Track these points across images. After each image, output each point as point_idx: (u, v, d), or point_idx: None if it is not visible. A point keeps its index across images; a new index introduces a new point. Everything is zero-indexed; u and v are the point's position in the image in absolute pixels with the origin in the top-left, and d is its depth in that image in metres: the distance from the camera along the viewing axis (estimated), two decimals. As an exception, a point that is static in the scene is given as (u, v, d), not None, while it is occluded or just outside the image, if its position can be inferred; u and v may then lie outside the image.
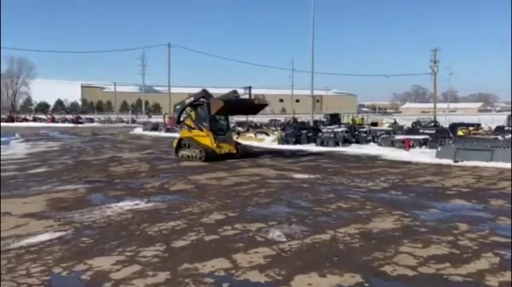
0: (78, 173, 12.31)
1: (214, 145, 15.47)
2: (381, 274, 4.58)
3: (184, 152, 16.08)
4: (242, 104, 16.27)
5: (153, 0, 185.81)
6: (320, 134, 21.87)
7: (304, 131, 22.33)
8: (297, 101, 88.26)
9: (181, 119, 16.93)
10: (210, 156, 15.07)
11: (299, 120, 36.16)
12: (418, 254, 5.17)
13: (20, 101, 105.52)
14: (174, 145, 16.78)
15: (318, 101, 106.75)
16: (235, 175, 11.74)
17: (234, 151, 15.95)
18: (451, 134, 19.77)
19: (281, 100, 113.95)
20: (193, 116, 16.27)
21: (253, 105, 16.44)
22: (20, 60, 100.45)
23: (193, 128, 16.02)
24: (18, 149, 20.98)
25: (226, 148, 15.74)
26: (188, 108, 16.62)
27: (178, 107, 17.35)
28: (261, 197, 8.65)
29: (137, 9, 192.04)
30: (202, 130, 15.75)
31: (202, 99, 16.20)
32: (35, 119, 64.62)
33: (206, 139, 15.60)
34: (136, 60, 73.18)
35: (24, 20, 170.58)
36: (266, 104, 16.93)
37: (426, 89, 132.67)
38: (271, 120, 44.38)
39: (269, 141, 22.66)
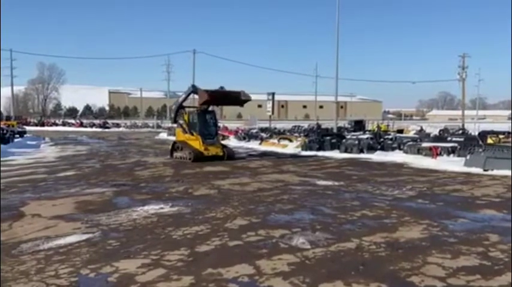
0: (105, 177, 12.57)
1: (203, 147, 17.04)
2: (408, 285, 4.47)
3: (177, 154, 17.81)
4: (227, 96, 18.21)
5: (179, 8, 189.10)
6: (344, 140, 21.61)
7: (328, 138, 22.12)
8: (321, 107, 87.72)
9: (178, 119, 18.69)
10: (198, 157, 16.61)
11: (323, 126, 35.85)
12: (447, 265, 5.02)
13: (50, 106, 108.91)
14: (170, 147, 18.53)
15: (342, 107, 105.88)
16: (258, 181, 11.73)
17: (221, 154, 17.38)
18: (480, 142, 19.21)
19: (304, 106, 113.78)
20: (187, 120, 17.89)
21: (238, 98, 18.12)
22: (51, 66, 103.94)
23: (187, 132, 17.64)
24: (48, 152, 21.59)
25: (213, 151, 17.25)
26: (183, 112, 18.28)
27: (173, 107, 19.21)
28: (285, 204, 8.61)
29: (163, 16, 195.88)
30: (193, 134, 17.37)
31: (192, 95, 18.29)
32: (64, 124, 66.46)
33: (196, 142, 17.25)
34: (162, 67, 74.37)
35: (54, 28, 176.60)
36: (249, 99, 18.34)
37: (454, 96, 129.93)
38: (295, 126, 44.22)
39: (292, 148, 22.57)
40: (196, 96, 18.49)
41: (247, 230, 6.55)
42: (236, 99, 18.28)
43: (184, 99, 18.76)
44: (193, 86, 18.64)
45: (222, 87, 18.25)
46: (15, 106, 78.63)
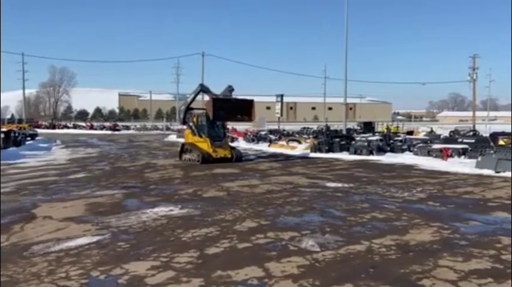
0: (115, 179, 12.66)
1: (211, 149, 17.08)
2: (419, 288, 4.43)
3: (186, 156, 17.92)
4: (235, 106, 17.69)
5: (188, 11, 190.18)
6: (353, 142, 21.51)
7: (337, 139, 22.04)
8: (330, 108, 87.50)
9: (187, 120, 18.51)
10: (206, 159, 16.68)
11: (332, 128, 35.70)
12: (459, 268, 4.97)
13: (61, 108, 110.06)
14: (179, 149, 18.74)
15: (351, 109, 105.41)
16: (268, 183, 11.72)
17: (229, 156, 17.41)
18: (491, 144, 18.99)
19: (313, 108, 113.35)
20: (195, 122, 17.93)
21: (246, 106, 17.93)
22: (62, 69, 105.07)
23: (195, 134, 17.69)
24: (59, 155, 21.80)
25: (221, 153, 17.30)
26: (192, 114, 18.27)
27: (182, 107, 19.16)
28: (294, 206, 8.59)
29: (172, 19, 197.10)
30: (201, 137, 17.45)
31: (202, 93, 18.36)
32: (75, 126, 67.00)
33: (204, 144, 17.31)
34: (171, 69, 74.85)
35: (65, 31, 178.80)
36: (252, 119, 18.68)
37: (464, 97, 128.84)
38: (303, 128, 44.13)
39: (301, 149, 22.55)
40: (206, 97, 18.46)
41: (256, 232, 6.55)
42: (247, 111, 17.86)
43: (193, 99, 18.72)
44: (202, 85, 18.65)
45: (230, 87, 17.81)
46: (27, 109, 79.66)
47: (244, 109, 17.97)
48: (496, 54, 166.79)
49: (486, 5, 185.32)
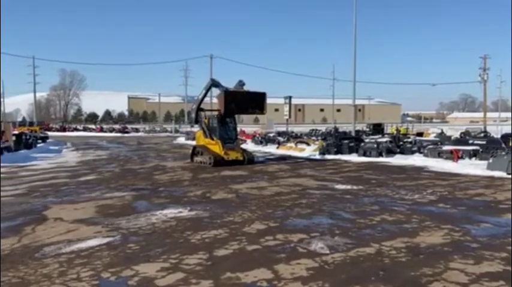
0: (124, 181, 12.74)
1: (223, 152, 16.87)
2: (429, 291, 4.39)
3: (197, 158, 17.87)
4: (243, 96, 17.39)
5: (195, 14, 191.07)
6: (362, 144, 21.40)
7: (346, 141, 21.94)
8: (338, 110, 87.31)
9: (199, 119, 18.37)
10: (218, 162, 16.46)
11: (340, 130, 35.56)
12: (470, 271, 4.92)
13: (72, 111, 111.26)
14: (190, 152, 18.75)
15: (359, 110, 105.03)
16: (276, 185, 11.71)
17: (241, 158, 17.19)
18: (503, 145, 18.76)
19: (322, 110, 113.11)
20: (207, 124, 17.80)
21: (261, 101, 17.66)
22: (72, 73, 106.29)
23: (207, 136, 17.59)
24: (69, 157, 21.99)
25: (233, 155, 17.09)
26: (203, 115, 18.24)
27: (194, 106, 19.02)
28: (303, 208, 8.57)
29: (180, 21, 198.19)
30: (213, 139, 17.32)
31: (213, 87, 18.23)
32: (84, 129, 67.58)
33: (216, 147, 17.15)
34: (180, 72, 75.30)
35: (76, 36, 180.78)
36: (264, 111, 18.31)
37: (475, 98, 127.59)
38: (312, 130, 44.04)
39: (310, 151, 22.47)
40: (214, 100, 18.47)
41: (265, 234, 6.55)
42: (259, 104, 17.74)
43: (205, 95, 18.52)
44: (212, 79, 18.50)
45: (241, 81, 17.66)
46: (38, 112, 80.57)
47: (256, 102, 17.74)
48: (507, 55, 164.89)
49: (497, 5, 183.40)
